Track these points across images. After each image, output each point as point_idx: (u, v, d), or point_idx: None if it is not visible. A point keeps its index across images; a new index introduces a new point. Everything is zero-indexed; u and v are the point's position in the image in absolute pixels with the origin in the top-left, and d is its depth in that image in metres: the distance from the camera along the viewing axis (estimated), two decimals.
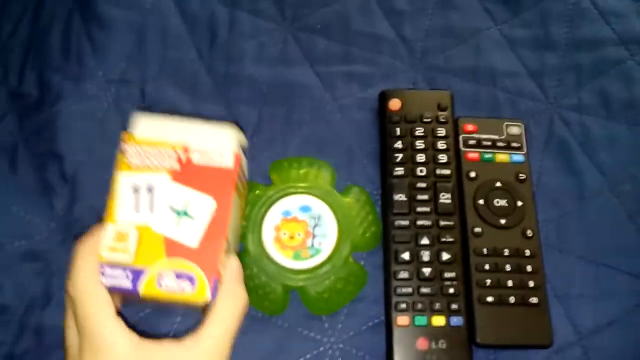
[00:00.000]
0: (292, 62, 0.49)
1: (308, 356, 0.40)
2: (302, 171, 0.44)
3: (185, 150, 0.34)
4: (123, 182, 0.34)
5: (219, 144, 0.35)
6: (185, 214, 0.33)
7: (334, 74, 0.48)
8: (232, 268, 0.35)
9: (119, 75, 0.47)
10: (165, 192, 0.34)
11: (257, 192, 0.43)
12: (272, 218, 0.42)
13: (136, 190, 0.34)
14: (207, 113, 0.46)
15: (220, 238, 0.33)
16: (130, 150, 0.34)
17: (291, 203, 0.43)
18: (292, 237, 0.42)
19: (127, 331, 0.31)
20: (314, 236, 0.42)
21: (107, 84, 0.46)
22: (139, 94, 0.46)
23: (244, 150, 0.37)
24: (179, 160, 0.34)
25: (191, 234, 0.33)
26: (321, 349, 0.40)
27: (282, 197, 0.43)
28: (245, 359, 0.39)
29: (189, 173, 0.34)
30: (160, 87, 0.47)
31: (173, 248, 0.32)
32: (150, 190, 0.34)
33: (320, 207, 0.43)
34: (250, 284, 0.40)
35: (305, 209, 0.43)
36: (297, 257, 0.41)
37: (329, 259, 0.41)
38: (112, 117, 0.45)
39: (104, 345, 0.30)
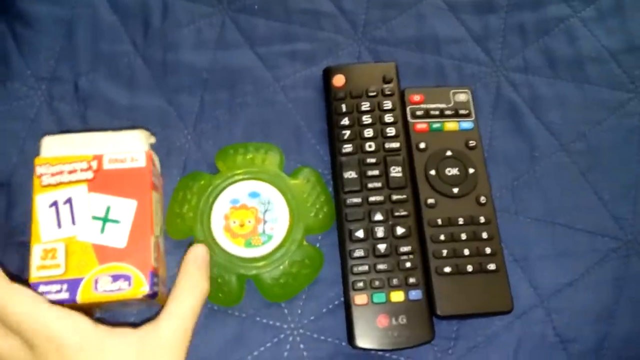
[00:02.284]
0: (231, 46, 0.47)
1: (269, 344, 0.39)
2: (248, 156, 0.42)
3: (97, 159, 0.35)
4: (40, 202, 0.34)
5: (129, 147, 0.36)
6: (108, 219, 0.34)
7: (276, 54, 0.47)
8: (194, 255, 0.35)
9: (49, 73, 0.45)
10: (84, 203, 0.35)
11: (203, 182, 0.41)
12: (221, 207, 0.41)
13: (55, 206, 0.34)
14: (145, 105, 0.44)
15: (146, 234, 0.35)
16: (44, 172, 0.35)
17: (239, 190, 0.41)
18: (242, 225, 0.40)
19: (73, 314, 0.30)
20: (264, 222, 0.41)
21: (37, 83, 0.44)
22: (72, 91, 0.44)
23: (153, 148, 0.38)
24: (92, 169, 0.35)
25: (118, 236, 0.34)
26: (282, 336, 0.40)
27: (229, 184, 0.41)
28: (204, 352, 0.39)
29: (104, 180, 0.35)
30: (94, 82, 0.45)
31: (103, 253, 0.34)
32: (69, 203, 0.34)
33: (269, 192, 0.41)
34: None
35: (253, 194, 0.41)
36: (248, 244, 0.40)
37: (282, 243, 0.40)
38: (45, 116, 0.43)
39: (53, 339, 0.29)
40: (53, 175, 0.35)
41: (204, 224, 0.40)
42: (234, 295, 0.39)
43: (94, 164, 0.35)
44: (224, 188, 0.41)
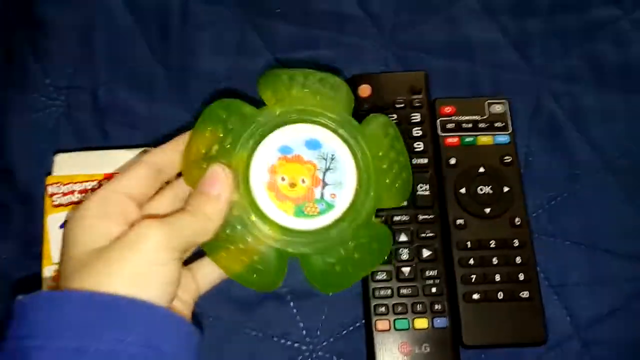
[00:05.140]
0: (251, 52, 0.45)
1: None
2: (308, 89, 0.31)
3: (109, 178, 0.34)
4: (51, 223, 0.34)
5: None
6: None
7: (298, 61, 0.45)
8: (212, 176, 0.28)
9: (67, 82, 0.44)
10: None
11: (242, 116, 0.30)
12: (266, 156, 0.30)
13: None
14: (165, 114, 0.43)
15: None
16: (55, 191, 0.34)
17: (293, 135, 0.31)
18: (293, 185, 0.30)
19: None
20: (324, 184, 0.31)
21: (55, 92, 0.43)
22: (91, 100, 0.43)
23: None
24: None
25: None
26: (299, 358, 0.38)
27: (280, 125, 0.30)
28: None
29: None
30: (113, 91, 0.44)
31: None
32: None
33: (334, 143, 0.31)
34: (232, 247, 0.29)
35: (313, 144, 0.31)
36: (299, 212, 0.30)
37: (345, 216, 0.30)
38: (64, 126, 0.43)
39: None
40: (65, 194, 0.34)
41: (239, 175, 0.29)
42: (271, 277, 0.30)
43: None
44: (273, 129, 0.30)
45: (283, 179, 0.30)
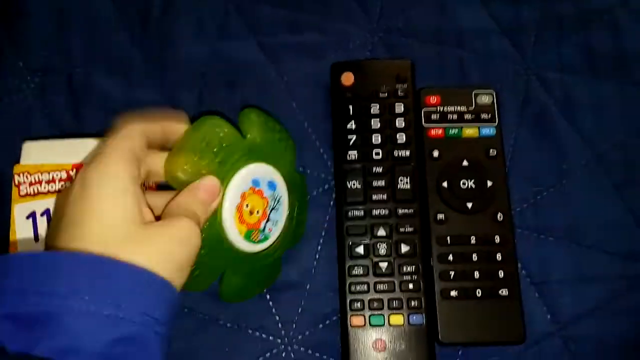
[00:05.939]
0: (234, 36, 0.43)
1: (260, 359, 0.37)
2: (275, 135, 0.36)
3: (77, 168, 0.33)
4: (18, 212, 0.33)
5: None
6: None
7: (281, 46, 0.43)
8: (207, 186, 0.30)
9: (41, 65, 0.42)
10: None
11: (233, 139, 0.32)
12: (242, 182, 0.33)
13: (33, 218, 0.33)
14: (142, 99, 0.42)
15: None
16: (22, 180, 0.34)
17: (262, 173, 0.34)
18: (251, 213, 0.34)
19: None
20: (267, 219, 0.35)
21: (29, 75, 0.42)
22: (65, 83, 0.42)
23: None
24: (71, 179, 0.33)
25: None
26: (274, 350, 0.38)
27: (257, 160, 0.34)
28: None
29: None
30: (89, 74, 0.42)
31: None
32: (46, 215, 0.33)
33: (282, 190, 0.36)
34: None
35: (272, 185, 0.35)
36: (248, 236, 0.34)
37: (269, 249, 0.36)
38: (37, 110, 0.41)
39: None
40: (32, 184, 0.33)
41: (223, 186, 0.32)
42: (202, 281, 0.33)
43: (73, 174, 0.33)
44: (253, 161, 0.33)
45: (247, 206, 0.33)
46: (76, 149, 0.34)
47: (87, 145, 0.34)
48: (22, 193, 0.33)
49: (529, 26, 0.43)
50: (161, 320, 0.25)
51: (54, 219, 0.28)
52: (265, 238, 0.35)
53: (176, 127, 0.31)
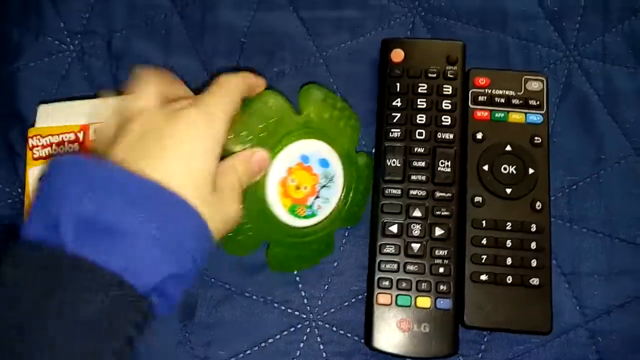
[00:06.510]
0: (275, 7, 0.43)
1: (285, 333, 0.38)
2: (335, 113, 0.36)
3: (84, 129, 0.33)
4: (32, 175, 0.33)
5: None
6: None
7: (321, 20, 0.43)
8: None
9: (82, 27, 0.42)
10: None
11: (285, 115, 0.33)
12: (289, 156, 0.34)
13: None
14: (179, 65, 0.42)
15: None
16: (35, 144, 0.33)
17: (313, 149, 0.35)
18: (297, 188, 0.34)
19: None
20: (317, 196, 0.35)
21: (69, 37, 0.42)
22: (105, 47, 0.42)
23: None
24: (79, 141, 0.33)
25: None
26: (299, 325, 0.38)
27: (307, 136, 0.34)
28: (217, 333, 0.37)
29: (88, 151, 0.33)
30: (128, 39, 0.42)
31: None
32: None
33: (337, 168, 0.36)
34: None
35: (324, 163, 0.35)
36: (292, 211, 0.35)
37: (316, 226, 0.36)
38: (76, 73, 0.42)
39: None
40: (44, 147, 0.33)
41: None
42: (246, 247, 0.35)
43: (81, 136, 0.33)
44: (303, 137, 0.34)
45: (292, 180, 0.34)
46: (89, 109, 0.34)
47: (100, 104, 0.34)
48: (35, 156, 0.33)
49: (574, 12, 0.43)
50: (200, 268, 0.27)
51: (124, 130, 0.27)
52: (313, 214, 0.36)
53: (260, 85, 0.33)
